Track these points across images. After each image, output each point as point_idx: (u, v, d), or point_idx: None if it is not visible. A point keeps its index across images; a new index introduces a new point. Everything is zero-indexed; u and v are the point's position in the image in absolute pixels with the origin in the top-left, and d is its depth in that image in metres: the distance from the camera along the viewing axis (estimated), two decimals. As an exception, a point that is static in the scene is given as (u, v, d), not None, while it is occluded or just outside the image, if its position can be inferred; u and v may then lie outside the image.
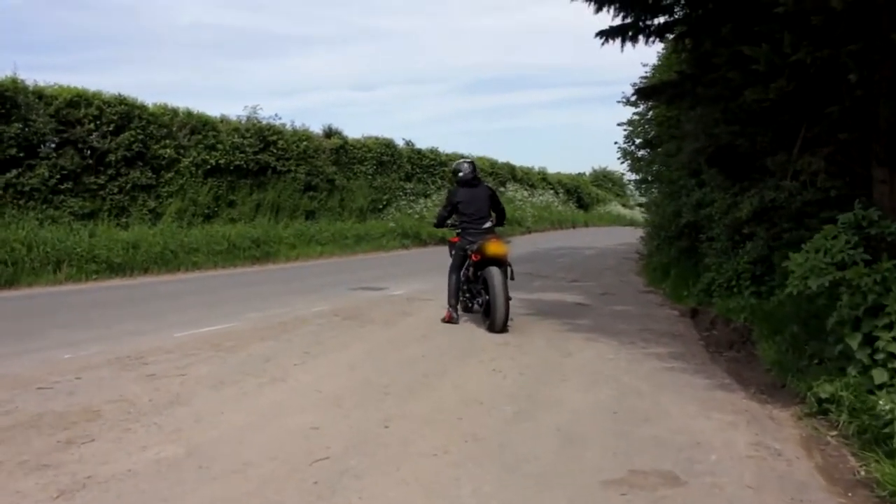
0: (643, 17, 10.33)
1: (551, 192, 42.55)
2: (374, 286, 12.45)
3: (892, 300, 4.58)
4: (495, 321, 7.74)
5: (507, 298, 7.79)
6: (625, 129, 19.29)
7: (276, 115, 22.49)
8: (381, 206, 25.42)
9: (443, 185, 28.74)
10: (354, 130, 24.51)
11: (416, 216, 25.74)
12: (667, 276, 11.89)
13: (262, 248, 17.99)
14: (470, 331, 8.03)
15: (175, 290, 12.53)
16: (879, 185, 6.51)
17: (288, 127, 21.88)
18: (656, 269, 13.15)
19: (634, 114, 18.97)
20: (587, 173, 55.70)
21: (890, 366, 4.48)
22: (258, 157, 20.29)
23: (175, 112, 18.54)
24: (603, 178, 58.59)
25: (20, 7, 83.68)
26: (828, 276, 4.99)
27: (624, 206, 58.05)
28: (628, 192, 62.96)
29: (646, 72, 16.41)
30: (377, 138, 26.11)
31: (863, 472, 3.77)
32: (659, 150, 15.41)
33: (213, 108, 23.99)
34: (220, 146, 19.20)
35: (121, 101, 16.82)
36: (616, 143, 19.79)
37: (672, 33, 11.33)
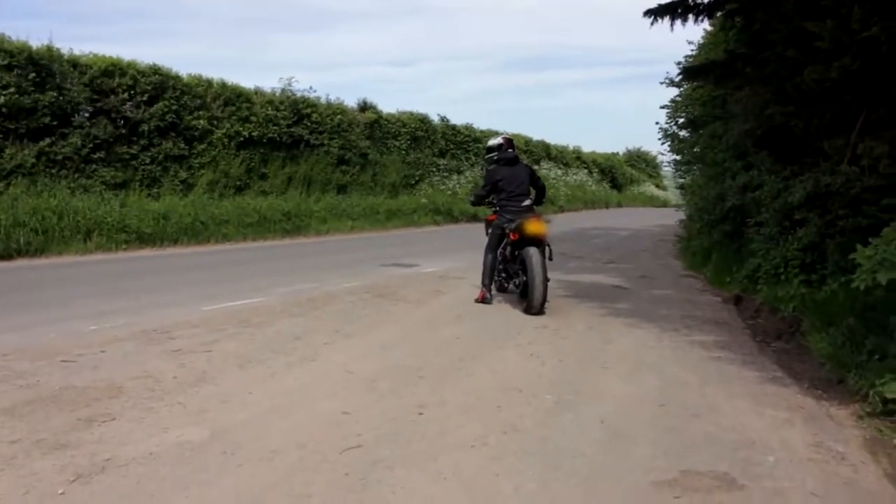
0: (693, -6, 9.91)
1: (585, 171, 41.96)
2: (405, 263, 12.23)
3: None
4: (532, 303, 7.47)
5: (546, 280, 7.51)
6: (668, 111, 18.81)
7: (310, 87, 22.31)
8: (413, 182, 25.19)
9: (476, 162, 28.44)
10: (389, 106, 24.36)
11: (449, 192, 25.51)
12: (707, 261, 11.51)
13: (293, 222, 17.85)
14: (505, 312, 7.77)
15: (204, 262, 12.41)
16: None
17: (322, 100, 21.73)
18: (696, 253, 12.75)
19: (677, 95, 18.48)
20: (620, 153, 54.73)
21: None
22: (291, 129, 20.14)
23: (209, 83, 18.42)
24: (636, 159, 57.70)
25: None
26: (899, 270, 4.64)
27: (657, 186, 57.23)
28: (662, 172, 62.08)
29: (691, 50, 15.93)
30: (412, 113, 25.85)
31: (938, 482, 3.46)
32: (702, 131, 14.95)
33: (248, 80, 23.73)
34: (253, 118, 19.07)
35: (155, 70, 16.72)
36: (657, 123, 19.32)
37: (722, 10, 10.88)
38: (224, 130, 18.28)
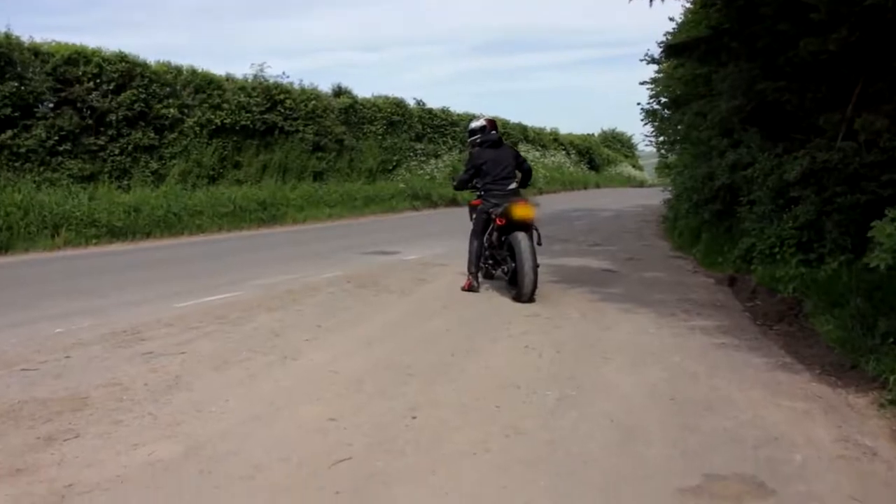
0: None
1: (563, 152, 41.63)
2: (386, 250, 11.87)
3: None
4: (522, 291, 7.15)
5: (536, 266, 7.18)
6: (648, 89, 18.50)
7: (283, 73, 21.75)
8: (390, 167, 24.77)
9: (454, 146, 28.06)
10: (362, 91, 23.76)
11: (427, 177, 25.11)
12: (696, 241, 11.25)
13: (268, 211, 17.39)
14: (494, 300, 7.45)
15: (178, 255, 11.98)
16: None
17: (296, 86, 21.16)
18: (683, 233, 12.50)
19: (656, 72, 18.16)
20: (596, 134, 54.45)
21: None
22: (265, 116, 19.61)
23: (178, 70, 17.84)
24: (612, 140, 57.49)
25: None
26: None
27: (634, 167, 57.14)
28: (637, 152, 62.02)
29: (672, 28, 15.62)
30: (387, 97, 25.38)
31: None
32: (685, 109, 14.66)
33: (217, 68, 23.05)
34: (225, 105, 18.53)
35: (121, 58, 16.14)
36: (639, 103, 19.02)
37: (703, -15, 10.60)
38: (195, 119, 17.73)
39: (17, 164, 13.88)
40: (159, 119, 16.85)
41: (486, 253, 8.00)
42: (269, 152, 19.83)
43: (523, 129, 36.77)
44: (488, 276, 8.33)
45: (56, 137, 14.60)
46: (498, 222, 7.57)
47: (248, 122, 19.07)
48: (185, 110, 17.59)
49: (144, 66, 16.74)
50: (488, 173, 7.87)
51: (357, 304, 7.28)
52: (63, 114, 14.84)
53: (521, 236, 7.29)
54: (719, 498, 2.99)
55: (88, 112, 15.41)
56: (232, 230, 15.92)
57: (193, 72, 18.17)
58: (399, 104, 25.79)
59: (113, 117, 15.71)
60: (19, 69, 14.08)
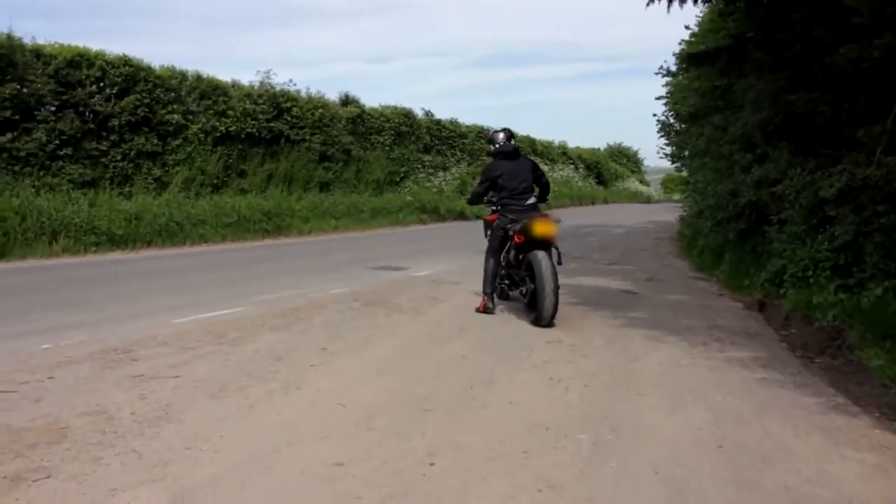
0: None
1: (572, 167, 41.26)
2: (394, 265, 11.43)
3: None
4: (542, 315, 6.67)
5: (557, 288, 6.70)
6: (664, 103, 18.11)
7: (290, 80, 21.37)
8: (398, 179, 24.36)
9: (462, 158, 27.68)
10: (367, 102, 23.34)
11: (435, 190, 24.71)
12: (719, 261, 10.77)
13: (273, 221, 16.98)
14: (512, 324, 6.98)
15: (179, 265, 11.56)
16: None
17: (303, 94, 20.78)
18: (703, 253, 12.03)
19: (667, 84, 17.77)
20: (601, 149, 54.08)
21: None
22: (271, 124, 19.23)
23: (183, 75, 17.48)
24: (618, 154, 57.20)
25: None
26: None
27: (641, 182, 56.79)
28: (644, 167, 61.69)
29: (689, 36, 15.24)
30: (395, 108, 25.00)
31: None
32: (703, 123, 14.23)
33: (223, 76, 22.56)
34: (230, 113, 18.15)
35: (125, 62, 15.76)
36: (654, 114, 18.61)
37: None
38: (200, 125, 17.34)
39: (16, 168, 13.48)
40: (163, 125, 16.46)
41: (503, 272, 7.54)
42: (275, 161, 19.44)
43: (531, 143, 36.37)
44: (503, 297, 7.88)
45: (57, 141, 14.21)
46: (516, 240, 7.11)
47: (254, 130, 18.69)
48: (190, 116, 17.21)
49: (148, 70, 16.37)
50: (505, 187, 7.42)
51: (366, 324, 6.82)
52: (64, 117, 14.45)
53: (541, 255, 6.83)
54: (799, 579, 2.52)
55: (90, 116, 15.02)
56: (235, 240, 15.51)
57: (198, 77, 17.81)
58: (407, 115, 25.42)
59: (115, 122, 15.33)
60: (21, 70, 13.71)
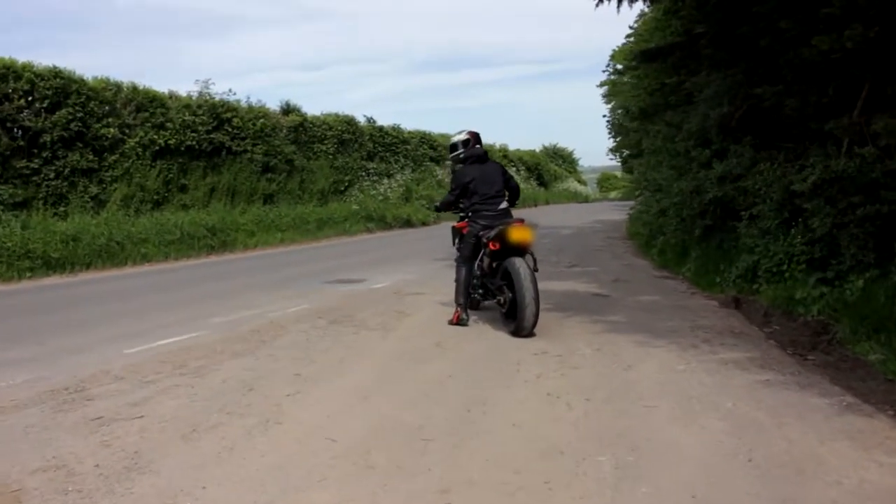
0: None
1: (513, 169, 41.21)
2: (350, 278, 11.03)
3: None
4: (524, 324, 6.35)
5: (537, 296, 6.40)
6: (607, 101, 18.10)
7: (230, 90, 20.70)
8: (343, 188, 23.91)
9: (406, 165, 27.36)
10: (310, 111, 22.88)
11: (381, 198, 24.29)
12: (683, 259, 10.64)
13: (218, 237, 16.34)
14: (490, 336, 6.65)
15: (123, 288, 10.93)
16: None
17: (243, 104, 20.18)
18: (665, 251, 11.91)
19: (610, 82, 17.78)
20: (538, 150, 54.30)
21: None
22: (211, 136, 18.60)
23: (118, 87, 16.75)
24: (554, 155, 57.58)
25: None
26: None
27: (578, 182, 57.35)
28: (579, 167, 62.41)
29: (625, 38, 15.27)
30: (338, 115, 24.56)
31: None
32: (654, 121, 14.19)
33: (159, 87, 21.71)
34: (169, 125, 17.47)
35: (55, 73, 15.00)
36: (604, 115, 18.64)
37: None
38: (137, 139, 16.64)
39: (-62, 191, 12.65)
40: (98, 140, 15.72)
41: (476, 282, 7.21)
42: (217, 174, 18.81)
43: (475, 146, 36.12)
44: (474, 307, 7.56)
45: (-17, 161, 13.38)
46: (491, 247, 6.78)
47: (194, 143, 18.04)
48: (127, 130, 16.50)
49: (81, 82, 15.62)
50: (476, 192, 7.10)
51: (336, 345, 6.41)
52: (-9, 135, 13.62)
53: (518, 262, 6.52)
54: None
55: (19, 132, 14.22)
56: (179, 258, 14.85)
57: (134, 89, 17.10)
58: (350, 122, 24.99)
59: (47, 138, 14.55)
60: (-60, 88, 12.88)
